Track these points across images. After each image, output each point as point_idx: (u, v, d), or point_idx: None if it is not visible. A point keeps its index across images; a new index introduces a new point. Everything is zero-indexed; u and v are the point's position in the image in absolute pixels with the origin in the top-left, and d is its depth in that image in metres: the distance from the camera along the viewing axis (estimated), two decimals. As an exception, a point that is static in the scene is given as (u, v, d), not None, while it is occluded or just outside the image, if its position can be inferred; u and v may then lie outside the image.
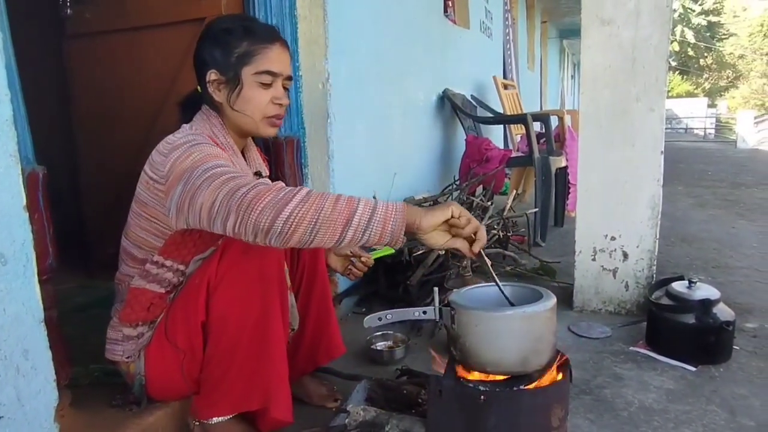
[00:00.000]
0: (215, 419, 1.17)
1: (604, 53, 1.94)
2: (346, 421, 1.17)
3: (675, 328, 1.68)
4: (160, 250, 1.15)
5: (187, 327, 1.12)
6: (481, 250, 1.01)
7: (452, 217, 0.97)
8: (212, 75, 1.18)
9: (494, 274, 1.07)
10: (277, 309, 1.12)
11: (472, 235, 0.99)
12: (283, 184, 0.95)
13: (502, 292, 1.08)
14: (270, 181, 1.38)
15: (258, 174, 1.33)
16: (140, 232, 1.17)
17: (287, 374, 1.17)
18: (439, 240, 0.99)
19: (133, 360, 1.21)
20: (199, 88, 1.25)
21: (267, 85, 1.18)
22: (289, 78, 1.24)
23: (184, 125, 1.20)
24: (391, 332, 1.86)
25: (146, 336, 1.20)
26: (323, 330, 1.43)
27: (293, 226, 0.88)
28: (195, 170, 0.98)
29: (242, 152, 1.31)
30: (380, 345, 1.83)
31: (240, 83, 1.17)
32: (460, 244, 1.00)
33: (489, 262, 1.06)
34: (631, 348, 1.79)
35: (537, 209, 3.05)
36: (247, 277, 1.08)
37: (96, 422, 1.22)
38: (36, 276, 1.00)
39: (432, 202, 2.65)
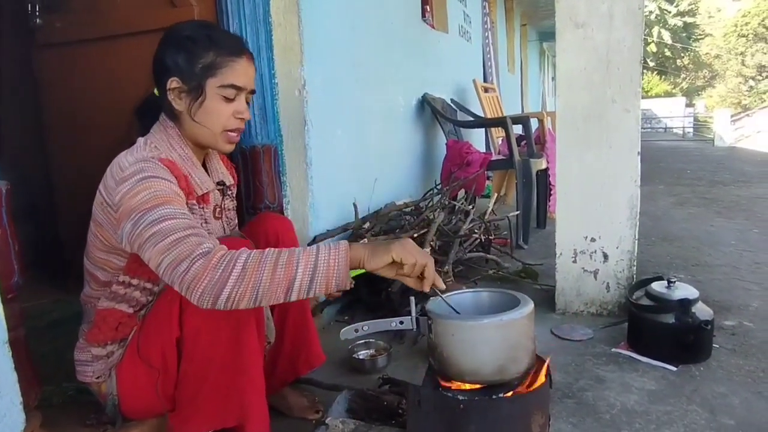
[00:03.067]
0: None
1: (578, 56, 1.95)
2: (326, 433, 1.15)
3: (655, 329, 1.69)
4: (124, 270, 1.13)
5: (161, 344, 1.09)
6: (434, 286, 1.02)
7: (393, 261, 0.97)
8: (174, 83, 1.13)
9: (448, 303, 1.07)
10: (252, 323, 1.10)
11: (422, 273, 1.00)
12: (225, 249, 0.93)
13: (448, 304, 1.07)
14: (233, 192, 1.38)
15: (221, 183, 1.31)
16: (100, 253, 1.14)
17: (264, 389, 1.15)
18: (389, 274, 1.01)
19: (104, 380, 1.18)
20: (156, 92, 1.20)
21: (230, 99, 1.15)
22: (252, 92, 1.21)
23: (140, 139, 1.15)
24: (374, 340, 1.85)
25: (116, 354, 1.16)
26: (302, 340, 1.41)
27: (235, 303, 0.91)
28: (141, 216, 0.96)
29: (204, 162, 1.28)
30: (362, 354, 1.81)
31: (203, 94, 1.13)
32: (410, 282, 1.02)
33: (443, 295, 1.07)
34: (613, 349, 1.79)
35: (519, 212, 3.05)
36: None
37: (67, 443, 1.19)
38: (0, 296, 0.97)
39: (412, 208, 2.64)
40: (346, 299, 2.25)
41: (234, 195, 1.40)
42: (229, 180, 1.35)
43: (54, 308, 2.18)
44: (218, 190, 1.30)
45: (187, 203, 1.10)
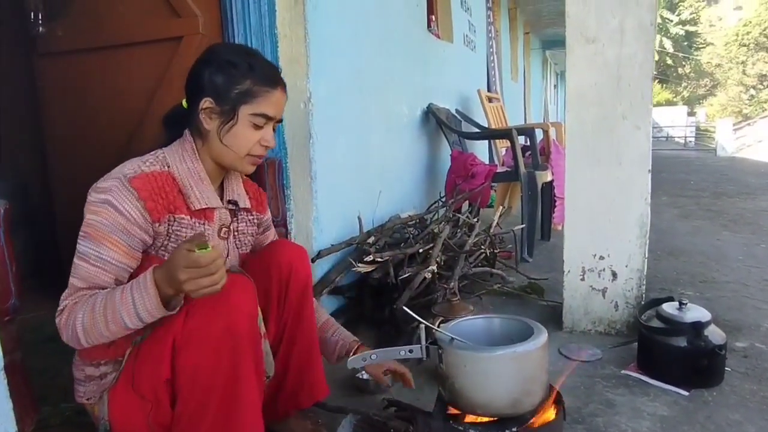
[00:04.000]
0: None
1: (589, 71, 1.92)
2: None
3: (667, 352, 1.65)
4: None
5: (154, 381, 1.07)
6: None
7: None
8: (207, 103, 1.15)
9: None
10: (250, 365, 1.06)
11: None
12: (66, 314, 1.04)
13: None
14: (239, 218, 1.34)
15: (233, 203, 1.29)
16: None
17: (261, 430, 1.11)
18: None
19: (95, 402, 1.14)
20: (185, 104, 1.21)
21: (259, 127, 1.18)
22: (280, 120, 1.24)
23: (159, 150, 1.18)
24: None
25: (109, 378, 1.13)
26: (307, 374, 1.38)
27: (92, 343, 1.03)
28: (80, 239, 1.07)
29: (222, 181, 1.28)
30: (366, 374, 1.77)
31: (235, 119, 1.15)
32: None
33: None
34: (623, 371, 1.75)
35: (524, 225, 3.02)
36: (215, 335, 1.02)
37: (64, 470, 1.15)
38: (-6, 321, 0.94)
39: (417, 221, 2.61)
40: (349, 314, 2.21)
41: (254, 222, 1.37)
42: (244, 203, 1.32)
43: (51, 321, 2.15)
44: (229, 210, 1.28)
45: (164, 219, 1.12)
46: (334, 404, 1.53)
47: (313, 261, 2.01)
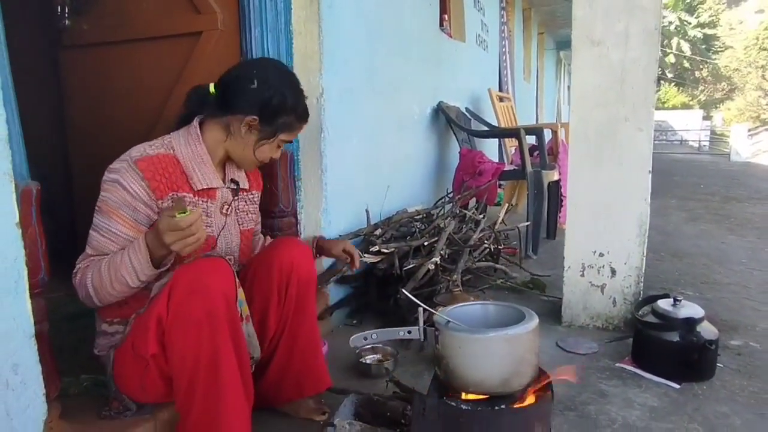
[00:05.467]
0: None
1: (594, 73, 1.98)
2: (333, 436, 1.18)
3: (660, 346, 1.71)
4: None
5: (144, 351, 1.18)
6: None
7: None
8: (252, 120, 1.31)
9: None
10: (229, 345, 1.14)
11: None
12: (80, 274, 1.19)
13: None
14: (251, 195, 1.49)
15: (234, 182, 1.42)
16: None
17: (242, 411, 1.18)
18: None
19: (104, 356, 1.29)
20: (212, 89, 1.34)
21: (280, 147, 1.41)
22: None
23: (164, 136, 1.32)
24: (381, 346, 1.88)
25: (117, 337, 1.27)
26: (309, 366, 1.46)
27: (103, 302, 1.19)
28: (95, 212, 1.22)
29: (225, 163, 1.41)
30: (369, 358, 1.84)
31: (273, 141, 1.37)
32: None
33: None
34: (617, 364, 1.81)
35: (529, 222, 3.07)
36: (195, 317, 1.10)
37: (85, 434, 1.24)
38: (27, 292, 1.02)
39: (423, 216, 2.68)
40: (355, 304, 2.29)
41: (253, 200, 1.51)
42: (244, 184, 1.46)
43: (69, 302, 2.25)
44: (230, 189, 1.41)
45: (167, 196, 1.24)
46: (337, 387, 1.61)
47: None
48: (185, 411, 1.17)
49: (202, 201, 1.33)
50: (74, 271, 1.21)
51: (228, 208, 1.40)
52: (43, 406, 1.07)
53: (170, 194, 1.25)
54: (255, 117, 1.30)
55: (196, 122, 1.34)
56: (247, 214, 1.48)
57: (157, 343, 1.16)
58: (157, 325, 1.14)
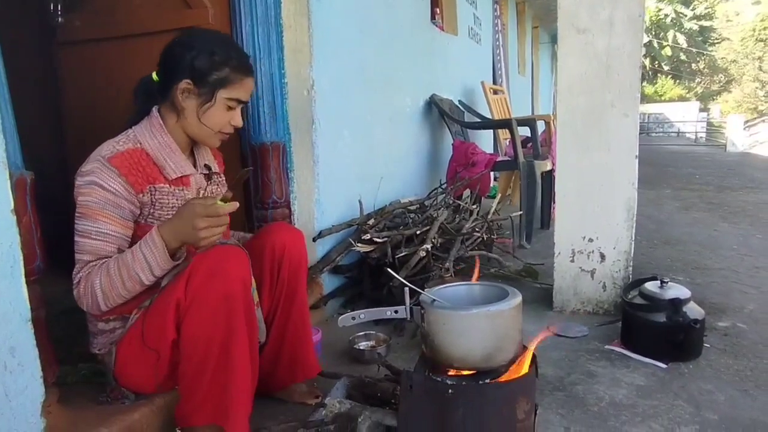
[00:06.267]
0: (193, 427, 1.24)
1: (579, 61, 2.01)
2: (324, 413, 1.21)
3: (647, 327, 1.74)
4: None
5: (160, 339, 1.21)
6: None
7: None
8: (186, 84, 1.26)
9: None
10: (243, 329, 1.18)
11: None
12: (85, 279, 1.17)
13: None
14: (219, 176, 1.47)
15: (207, 167, 1.42)
16: None
17: (248, 392, 1.23)
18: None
19: (105, 353, 1.30)
20: (155, 76, 1.33)
21: (231, 108, 1.32)
22: (246, 102, 1.37)
23: (127, 131, 1.30)
24: (374, 332, 1.92)
25: (118, 332, 1.28)
26: (301, 351, 1.50)
27: (112, 306, 1.18)
28: (76, 219, 1.20)
29: (193, 150, 1.40)
30: (362, 344, 1.87)
31: (213, 101, 1.28)
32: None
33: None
34: (607, 346, 1.85)
35: (522, 212, 3.11)
36: (213, 299, 1.14)
37: (82, 419, 1.26)
38: (23, 276, 1.05)
39: (417, 206, 2.71)
40: (349, 293, 2.32)
41: (222, 181, 1.49)
42: (215, 167, 1.45)
43: (67, 296, 2.27)
44: (204, 175, 1.41)
45: (146, 190, 1.24)
46: (330, 371, 1.64)
47: (314, 240, 2.12)
48: (189, 392, 1.20)
49: (178, 190, 1.31)
50: (75, 282, 1.19)
51: (204, 194, 1.39)
52: (40, 388, 1.09)
53: (148, 186, 1.24)
54: (187, 80, 1.25)
55: (155, 111, 1.32)
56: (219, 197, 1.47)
57: (175, 329, 1.19)
58: (175, 310, 1.17)
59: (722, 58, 33.13)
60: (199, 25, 2.01)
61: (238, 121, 1.35)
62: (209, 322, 1.16)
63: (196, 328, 1.16)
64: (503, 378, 1.09)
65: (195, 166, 1.39)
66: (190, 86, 1.26)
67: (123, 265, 1.15)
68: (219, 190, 1.46)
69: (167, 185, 1.29)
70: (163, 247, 1.14)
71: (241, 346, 1.19)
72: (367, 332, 1.91)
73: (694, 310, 1.72)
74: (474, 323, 1.06)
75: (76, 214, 1.20)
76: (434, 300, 1.12)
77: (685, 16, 29.04)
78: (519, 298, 1.11)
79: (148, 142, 1.28)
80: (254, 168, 1.99)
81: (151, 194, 1.25)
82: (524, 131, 3.70)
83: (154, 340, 1.22)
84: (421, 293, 1.16)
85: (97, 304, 1.17)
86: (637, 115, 1.97)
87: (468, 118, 4.11)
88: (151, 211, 1.26)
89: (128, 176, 1.21)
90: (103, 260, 1.18)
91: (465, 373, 1.09)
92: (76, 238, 1.20)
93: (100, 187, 1.19)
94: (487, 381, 1.07)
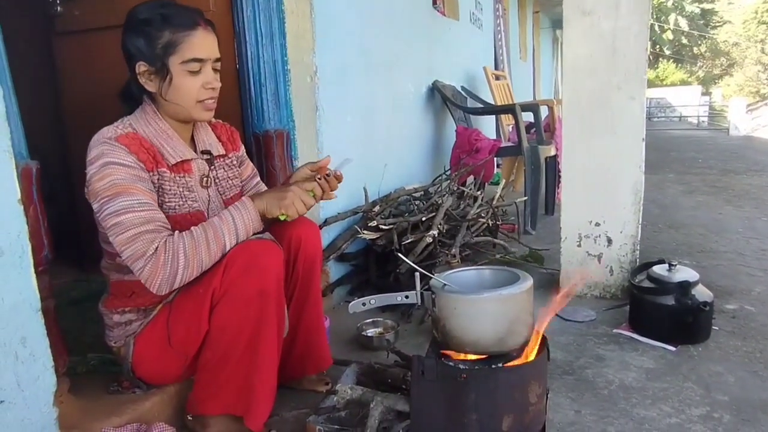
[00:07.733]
0: (204, 415, 1.25)
1: (585, 43, 1.98)
2: (335, 399, 1.22)
3: (656, 310, 1.74)
4: None
5: (190, 334, 1.20)
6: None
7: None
8: (141, 67, 1.19)
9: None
10: (273, 324, 1.19)
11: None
12: (168, 243, 1.11)
13: None
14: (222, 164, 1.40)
15: (207, 153, 1.35)
16: (101, 228, 1.20)
17: (273, 388, 1.23)
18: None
19: (121, 345, 1.28)
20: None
21: (196, 72, 1.20)
22: (218, 60, 1.24)
23: (124, 118, 1.24)
24: (381, 319, 1.91)
25: (134, 325, 1.26)
26: (313, 345, 1.49)
27: (186, 281, 1.13)
28: (105, 203, 1.11)
29: (192, 134, 1.34)
30: (370, 331, 1.87)
31: (169, 73, 1.19)
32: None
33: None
34: (615, 330, 1.84)
35: (526, 198, 3.09)
36: (248, 293, 1.14)
37: (94, 407, 1.27)
38: (32, 267, 1.04)
39: (422, 193, 2.70)
40: (355, 281, 2.31)
41: (232, 163, 1.43)
42: (218, 150, 1.38)
43: (73, 287, 2.28)
44: (205, 160, 1.34)
45: (155, 171, 1.20)
46: (339, 358, 1.64)
47: (320, 227, 2.11)
48: (207, 380, 1.21)
49: (179, 176, 1.26)
50: (149, 254, 1.09)
51: (207, 180, 1.33)
52: (52, 377, 1.09)
53: (155, 168, 1.20)
54: (140, 63, 1.18)
55: (147, 100, 1.26)
56: (227, 180, 1.40)
57: (209, 321, 1.18)
58: (211, 302, 1.16)
59: (724, 42, 32.85)
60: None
61: (212, 82, 1.22)
62: (241, 315, 1.16)
63: (226, 318, 1.16)
64: (516, 362, 1.08)
65: (196, 151, 1.33)
66: (146, 67, 1.19)
67: (210, 228, 1.14)
68: (226, 173, 1.40)
69: (168, 171, 1.24)
70: (256, 210, 1.17)
71: (269, 341, 1.19)
72: (375, 319, 1.91)
73: (702, 293, 1.72)
74: (486, 307, 1.06)
75: (105, 199, 1.11)
76: (445, 284, 1.12)
77: (687, -1, 28.74)
78: (530, 282, 1.11)
79: (144, 130, 1.22)
80: (258, 156, 1.98)
81: (158, 177, 1.20)
82: (527, 117, 3.68)
83: (181, 342, 1.21)
84: (431, 278, 1.15)
85: (174, 274, 1.10)
86: (643, 97, 1.95)
87: (471, 104, 4.08)
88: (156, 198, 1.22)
89: (138, 154, 1.16)
90: (178, 232, 1.13)
91: (477, 357, 1.09)
92: (116, 219, 1.10)
93: (117, 165, 1.12)
94: (500, 365, 1.06)
